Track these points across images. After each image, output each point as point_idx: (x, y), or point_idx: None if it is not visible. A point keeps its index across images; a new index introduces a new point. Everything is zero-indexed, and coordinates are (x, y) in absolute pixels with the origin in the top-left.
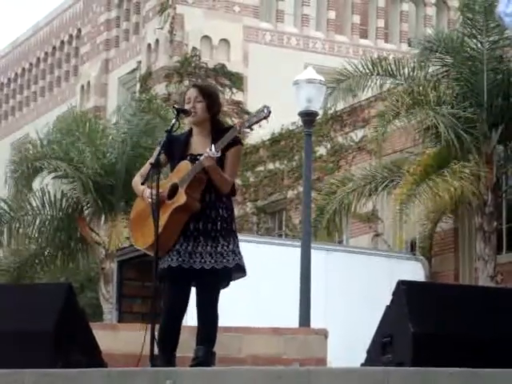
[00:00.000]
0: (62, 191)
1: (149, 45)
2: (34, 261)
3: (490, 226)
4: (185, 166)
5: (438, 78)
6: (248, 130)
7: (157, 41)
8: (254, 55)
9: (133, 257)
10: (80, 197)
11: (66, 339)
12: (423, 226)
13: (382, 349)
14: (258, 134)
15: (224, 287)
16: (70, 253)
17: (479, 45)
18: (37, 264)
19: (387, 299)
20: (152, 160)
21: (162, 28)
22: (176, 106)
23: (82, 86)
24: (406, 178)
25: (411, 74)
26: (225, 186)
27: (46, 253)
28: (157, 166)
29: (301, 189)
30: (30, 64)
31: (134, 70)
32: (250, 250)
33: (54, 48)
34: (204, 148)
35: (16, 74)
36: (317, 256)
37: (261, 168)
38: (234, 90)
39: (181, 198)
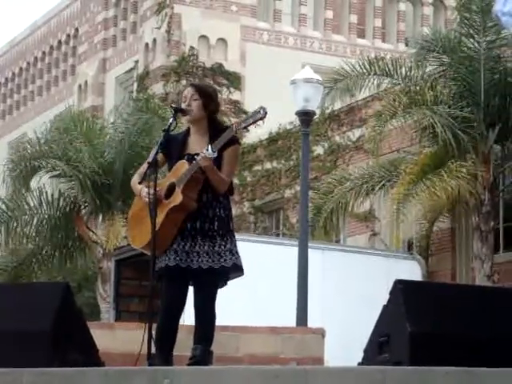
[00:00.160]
0: (60, 190)
1: (146, 44)
2: (32, 260)
3: (487, 226)
4: (182, 165)
5: (435, 78)
6: (245, 130)
7: (154, 40)
8: (252, 55)
9: (130, 256)
10: (77, 196)
11: (63, 338)
12: (420, 225)
13: (379, 348)
14: (255, 134)
15: (221, 286)
16: (68, 252)
17: (476, 44)
18: (34, 263)
19: (384, 298)
20: (150, 159)
21: (159, 27)
22: (173, 105)
23: (80, 86)
24: (403, 178)
25: (408, 73)
26: (221, 186)
27: (43, 252)
28: (154, 166)
29: (298, 188)
30: (28, 63)
31: (131, 70)
32: (248, 249)
33: (52, 47)
34: (201, 147)
35: (13, 73)
36: (314, 255)
37: (258, 167)
38: (232, 90)
39: (177, 198)
